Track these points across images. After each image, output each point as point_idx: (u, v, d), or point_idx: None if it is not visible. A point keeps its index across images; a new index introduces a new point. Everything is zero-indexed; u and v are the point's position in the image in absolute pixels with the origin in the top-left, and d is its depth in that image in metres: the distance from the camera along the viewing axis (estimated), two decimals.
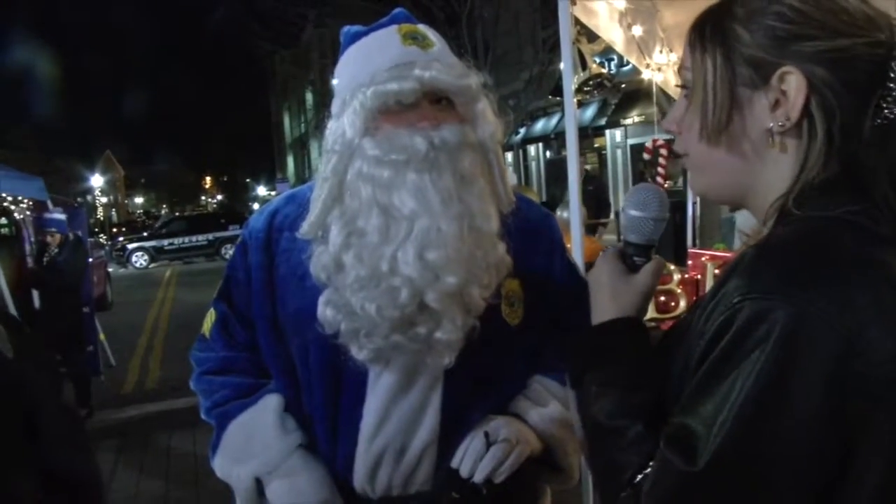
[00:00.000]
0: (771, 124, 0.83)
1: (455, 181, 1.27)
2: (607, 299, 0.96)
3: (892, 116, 0.82)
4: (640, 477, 0.80)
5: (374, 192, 1.26)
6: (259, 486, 1.39)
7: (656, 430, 0.81)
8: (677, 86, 0.92)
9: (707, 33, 0.88)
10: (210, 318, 1.51)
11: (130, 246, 23.38)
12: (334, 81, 1.41)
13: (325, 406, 1.38)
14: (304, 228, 1.34)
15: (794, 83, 0.81)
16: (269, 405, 1.41)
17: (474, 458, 1.31)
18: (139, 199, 69.18)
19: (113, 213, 59.56)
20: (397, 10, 1.42)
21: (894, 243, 0.78)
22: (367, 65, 1.31)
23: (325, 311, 1.30)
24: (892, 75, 0.81)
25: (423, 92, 1.27)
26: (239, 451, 1.41)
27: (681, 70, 0.92)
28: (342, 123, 1.31)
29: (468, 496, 1.32)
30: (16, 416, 1.42)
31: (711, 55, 0.86)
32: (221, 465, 1.45)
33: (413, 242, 1.24)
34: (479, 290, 1.28)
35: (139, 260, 22.76)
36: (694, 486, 0.74)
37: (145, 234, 25.80)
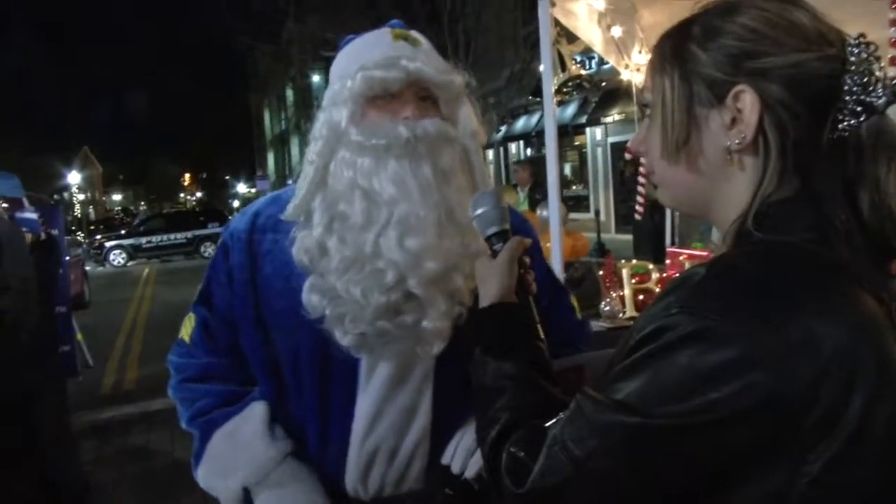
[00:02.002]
0: (728, 142, 0.85)
1: (434, 173, 1.29)
2: (482, 288, 1.10)
3: (848, 130, 0.83)
4: (550, 423, 0.86)
5: (356, 176, 1.28)
6: (247, 497, 1.37)
7: (531, 386, 0.95)
8: (641, 105, 0.94)
9: (666, 54, 0.89)
10: (189, 322, 1.47)
11: (108, 244, 23.11)
12: (315, 80, 1.43)
13: (315, 407, 1.37)
14: (289, 210, 1.35)
15: (748, 102, 0.83)
16: (256, 413, 1.39)
17: (465, 455, 1.33)
18: (117, 196, 68.48)
19: (90, 210, 58.92)
20: (395, 21, 1.45)
21: (846, 269, 0.80)
22: (358, 58, 1.34)
23: (309, 297, 1.30)
24: (845, 88, 0.82)
25: (409, 83, 1.30)
26: (225, 462, 1.38)
27: (643, 91, 0.95)
28: (330, 112, 1.33)
29: (461, 492, 1.33)
30: (17, 418, 1.42)
31: (669, 76, 0.88)
32: (206, 477, 1.41)
33: (394, 228, 1.26)
34: (463, 278, 1.30)
35: (117, 258, 22.52)
36: (611, 413, 0.79)
37: (123, 231, 25.53)
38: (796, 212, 0.82)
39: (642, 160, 0.97)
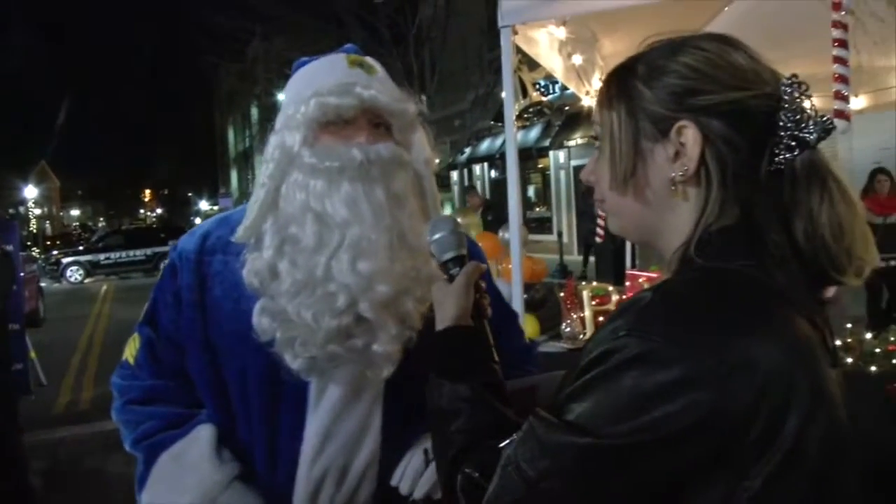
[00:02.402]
0: (672, 174, 0.90)
1: (387, 196, 1.30)
2: (438, 312, 1.12)
3: (783, 163, 0.89)
4: (504, 444, 0.88)
5: (308, 199, 1.29)
6: None
7: (486, 408, 0.98)
8: (591, 137, 1.00)
9: (613, 91, 0.95)
10: (134, 343, 1.45)
11: (65, 260, 22.61)
12: (280, 98, 1.46)
13: (264, 430, 1.36)
14: (239, 232, 1.34)
15: (690, 136, 0.88)
16: (202, 436, 1.37)
17: (414, 476, 1.33)
18: (75, 212, 67.03)
19: (47, 225, 57.55)
20: (349, 45, 1.48)
21: (781, 294, 0.85)
22: (312, 83, 1.35)
23: (260, 320, 1.30)
24: (781, 124, 0.88)
25: (363, 110, 1.32)
26: (171, 485, 1.35)
27: (593, 124, 1.00)
28: (283, 135, 1.34)
29: None
30: None
31: (617, 111, 0.93)
32: (150, 501, 1.38)
33: (346, 251, 1.26)
34: (414, 302, 1.31)
35: (74, 274, 22.03)
36: (555, 450, 0.82)
37: (81, 247, 25.02)
38: (735, 240, 0.87)
39: (593, 188, 1.02)
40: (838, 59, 2.59)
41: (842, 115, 2.56)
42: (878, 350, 2.97)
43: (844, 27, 2.59)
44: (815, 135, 0.88)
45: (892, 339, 3.02)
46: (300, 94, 1.35)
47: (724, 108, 0.88)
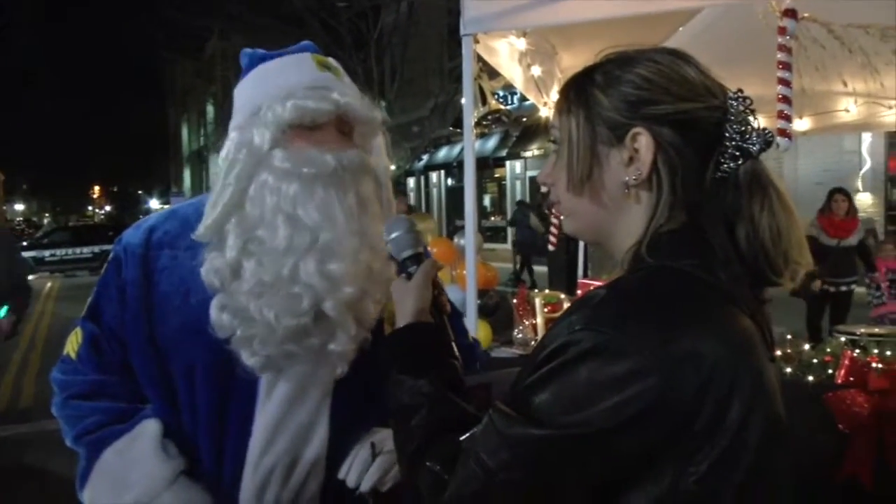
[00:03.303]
0: (626, 178, 0.95)
1: (357, 201, 1.33)
2: (398, 309, 1.14)
3: (727, 171, 0.95)
4: (464, 437, 0.92)
5: (280, 202, 1.29)
6: None
7: (445, 403, 1.00)
8: (550, 141, 1.05)
9: (571, 97, 0.99)
10: (76, 338, 1.42)
11: None
12: (234, 98, 1.42)
13: (211, 426, 1.36)
14: (200, 231, 1.33)
15: (643, 142, 0.94)
16: (148, 431, 1.35)
17: (361, 469, 1.35)
18: (20, 206, 64.94)
19: None
20: (306, 42, 1.47)
21: (725, 292, 0.91)
22: (282, 80, 1.35)
23: (220, 316, 1.29)
24: (726, 135, 0.95)
25: (336, 115, 1.33)
26: (115, 481, 1.34)
27: (551, 129, 1.04)
28: (250, 133, 1.32)
29: None
30: None
31: (575, 116, 0.98)
32: (93, 497, 1.36)
33: (315, 254, 1.28)
34: (373, 303, 1.35)
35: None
36: (507, 440, 0.86)
37: (25, 243, 24.27)
38: (683, 241, 0.93)
39: (549, 191, 1.07)
40: (782, 81, 2.71)
41: (784, 133, 2.67)
42: (815, 360, 3.09)
43: (788, 51, 2.71)
44: (757, 146, 0.95)
45: (829, 350, 3.14)
46: (268, 93, 1.34)
47: (675, 117, 0.93)
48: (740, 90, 0.97)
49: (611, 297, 0.88)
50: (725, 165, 0.95)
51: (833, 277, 6.27)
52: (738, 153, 0.95)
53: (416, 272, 1.16)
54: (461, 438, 0.92)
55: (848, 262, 6.38)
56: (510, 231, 19.82)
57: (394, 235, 1.21)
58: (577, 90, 0.99)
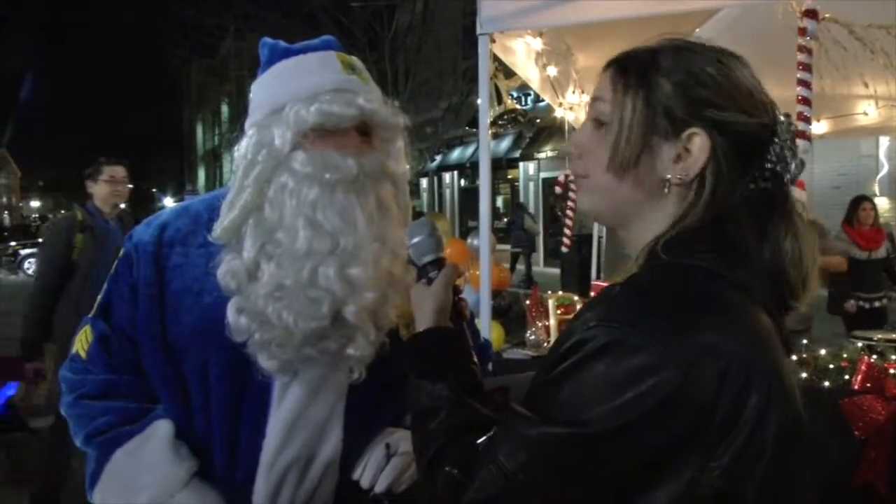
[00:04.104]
0: (670, 175, 0.93)
1: (377, 206, 1.31)
2: (418, 313, 1.14)
3: (761, 189, 0.94)
4: (482, 440, 0.91)
5: (301, 206, 1.27)
6: None
7: (464, 407, 0.99)
8: (591, 119, 1.01)
9: (632, 77, 0.95)
10: (86, 336, 1.39)
11: (23, 252, 22.07)
12: (252, 93, 1.40)
13: (224, 427, 1.34)
14: (217, 232, 1.31)
15: (698, 144, 0.91)
16: (160, 432, 1.33)
17: (375, 470, 1.34)
18: (35, 203, 65.45)
19: (6, 216, 56.12)
20: (328, 37, 1.43)
21: (743, 289, 0.89)
22: (306, 81, 1.32)
23: (238, 319, 1.28)
24: (768, 156, 0.93)
25: (360, 121, 1.31)
26: (127, 483, 1.31)
27: (595, 101, 0.99)
28: (270, 133, 1.30)
29: None
30: None
31: (633, 97, 0.94)
32: (104, 499, 1.33)
33: (336, 258, 1.26)
34: (392, 308, 1.34)
35: (32, 267, 21.53)
36: (535, 433, 0.85)
37: (40, 239, 24.46)
38: (702, 238, 0.91)
39: (573, 187, 1.04)
40: (802, 82, 2.69)
41: (803, 135, 2.65)
42: (831, 366, 3.06)
43: (809, 52, 2.68)
44: (794, 173, 0.94)
45: (845, 356, 3.11)
46: (292, 93, 1.32)
47: (734, 127, 0.91)
48: (787, 115, 0.96)
49: (625, 292, 0.87)
50: (755, 185, 0.94)
51: (867, 293, 5.85)
52: (772, 175, 0.94)
53: (436, 277, 1.15)
54: (479, 441, 0.92)
55: (879, 275, 5.94)
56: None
57: (415, 240, 1.19)
58: (641, 71, 0.95)
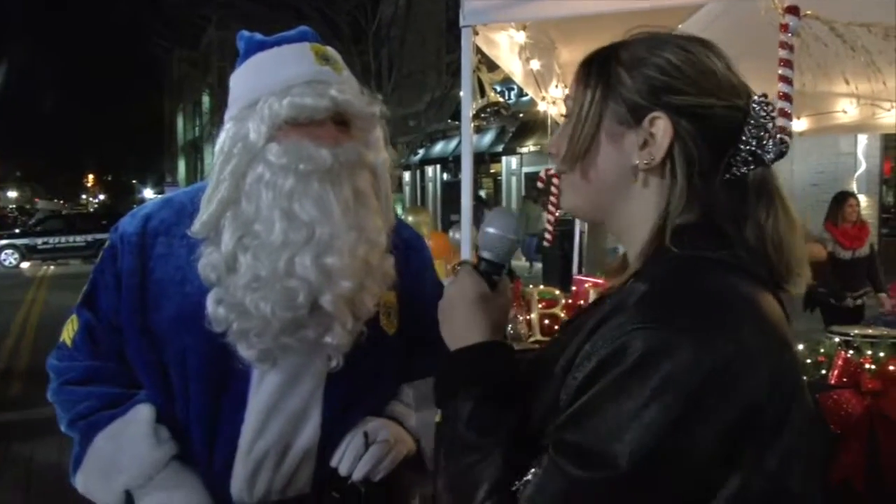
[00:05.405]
0: (636, 161, 0.92)
1: (353, 195, 1.32)
2: (479, 315, 0.99)
3: (738, 174, 0.93)
4: (517, 485, 0.83)
5: (277, 197, 1.29)
6: (129, 501, 1.34)
7: (520, 446, 0.87)
8: (561, 115, 1.01)
9: (593, 70, 0.96)
10: (72, 325, 1.44)
11: (1, 242, 21.83)
12: (231, 86, 1.41)
13: (203, 413, 1.36)
14: (196, 227, 1.33)
15: (661, 127, 0.91)
16: (140, 415, 1.36)
17: (353, 457, 1.35)
18: (13, 194, 64.66)
19: None
20: (304, 27, 1.45)
21: (763, 280, 0.89)
22: (279, 74, 1.34)
23: (216, 310, 1.30)
24: (743, 138, 0.92)
25: (334, 112, 1.32)
26: (107, 465, 1.34)
27: (566, 99, 1.01)
28: (246, 127, 1.32)
29: (347, 495, 1.35)
30: None
31: (592, 90, 0.94)
32: (85, 481, 1.37)
33: (312, 248, 1.27)
34: (369, 296, 1.34)
35: (8, 258, 21.20)
36: (589, 490, 0.78)
37: (17, 230, 24.15)
38: (706, 233, 0.90)
39: (555, 182, 1.04)
40: (783, 78, 2.69)
41: (783, 131, 2.65)
42: (808, 360, 3.08)
43: (790, 48, 2.69)
44: (772, 154, 0.92)
45: (822, 350, 3.13)
46: (266, 86, 1.33)
47: (696, 110, 0.90)
48: (764, 95, 0.94)
49: (655, 292, 0.83)
50: (736, 169, 0.93)
51: (850, 291, 5.76)
52: (750, 158, 0.92)
53: (499, 285, 1.03)
54: (518, 484, 0.84)
55: (861, 272, 5.84)
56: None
57: (500, 233, 1.05)
58: (601, 65, 0.95)
